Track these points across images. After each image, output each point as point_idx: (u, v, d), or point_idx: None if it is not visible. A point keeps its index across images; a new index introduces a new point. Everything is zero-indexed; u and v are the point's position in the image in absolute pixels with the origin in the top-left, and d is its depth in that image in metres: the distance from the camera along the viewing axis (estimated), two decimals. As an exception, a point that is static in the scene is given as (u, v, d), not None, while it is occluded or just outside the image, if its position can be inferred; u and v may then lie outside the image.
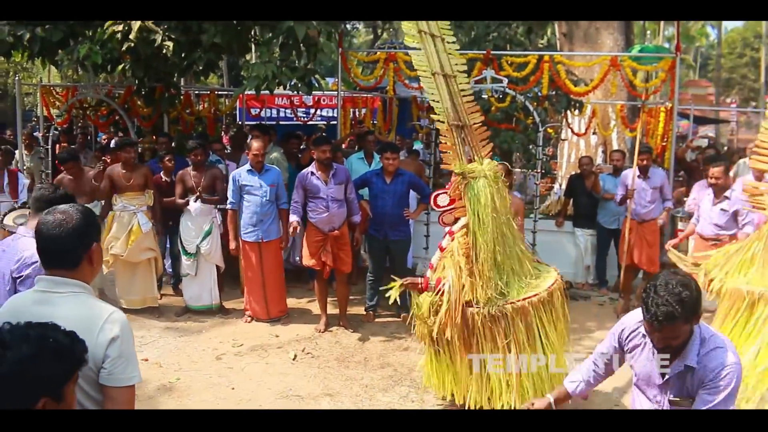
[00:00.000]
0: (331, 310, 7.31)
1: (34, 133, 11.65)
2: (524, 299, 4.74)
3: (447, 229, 5.03)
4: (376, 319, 7.53)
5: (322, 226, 7.00)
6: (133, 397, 2.31)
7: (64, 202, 3.53)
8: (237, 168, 7.87)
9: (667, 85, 9.06)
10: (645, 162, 7.91)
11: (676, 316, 2.63)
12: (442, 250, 4.96)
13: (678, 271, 3.02)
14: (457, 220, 4.88)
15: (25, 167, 10.35)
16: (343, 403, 5.41)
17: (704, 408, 2.77)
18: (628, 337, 3.07)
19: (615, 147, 11.95)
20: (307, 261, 7.13)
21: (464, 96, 5.17)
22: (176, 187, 7.43)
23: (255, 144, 7.23)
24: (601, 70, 8.91)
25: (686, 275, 2.84)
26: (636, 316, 3.03)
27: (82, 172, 7.51)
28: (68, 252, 2.31)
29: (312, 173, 7.01)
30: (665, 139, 9.13)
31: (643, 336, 2.95)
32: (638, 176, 7.86)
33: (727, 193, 6.71)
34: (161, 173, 7.82)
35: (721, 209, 6.68)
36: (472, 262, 4.67)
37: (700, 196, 7.84)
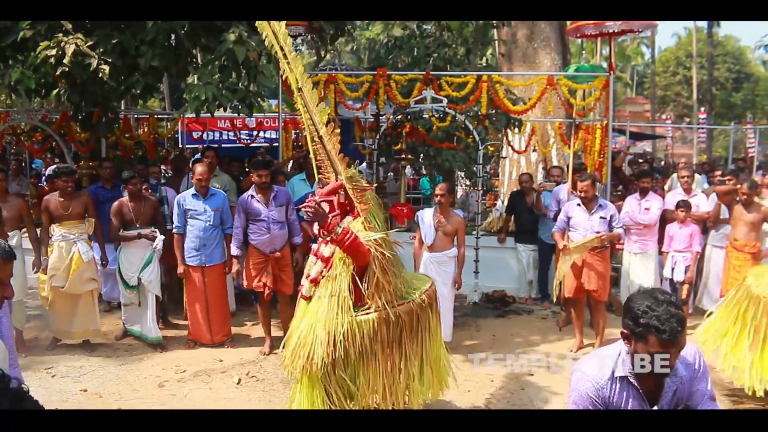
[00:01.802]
0: (276, 332, 7.25)
1: (-33, 161, 11.30)
2: (429, 289, 4.94)
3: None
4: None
5: (263, 248, 6.97)
6: None
7: None
8: (177, 193, 7.79)
9: (602, 103, 9.32)
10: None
11: (684, 317, 2.57)
12: (324, 260, 4.67)
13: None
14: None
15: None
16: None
17: (709, 397, 2.76)
18: (608, 395, 2.76)
19: (555, 163, 12.23)
20: (249, 283, 7.08)
21: (316, 107, 4.91)
22: (113, 220, 7.21)
23: (199, 168, 7.16)
24: (539, 89, 9.12)
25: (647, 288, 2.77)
26: (596, 373, 2.77)
27: (4, 193, 7.19)
28: None
29: (252, 196, 7.00)
30: (602, 155, 9.38)
31: (627, 384, 2.72)
32: (572, 192, 8.10)
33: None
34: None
35: (601, 217, 7.07)
36: (387, 259, 4.59)
37: (632, 208, 8.11)
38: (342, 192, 4.70)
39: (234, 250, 7.06)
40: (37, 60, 6.97)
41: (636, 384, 2.69)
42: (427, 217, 7.14)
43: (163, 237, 7.19)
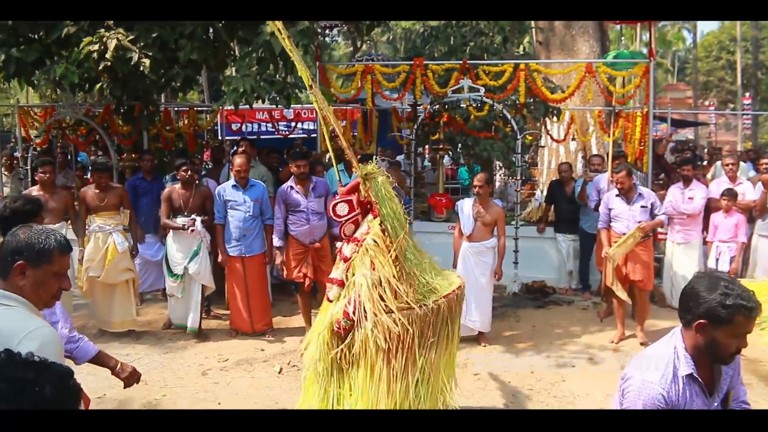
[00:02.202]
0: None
1: (14, 154, 11.58)
2: (450, 294, 4.46)
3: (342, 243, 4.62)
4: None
5: (302, 239, 7.03)
6: None
7: (30, 212, 3.50)
8: (217, 184, 7.90)
9: (642, 90, 9.17)
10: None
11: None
12: (346, 260, 4.46)
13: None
14: (357, 228, 4.52)
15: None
16: (329, 415, 5.40)
17: (741, 382, 2.72)
18: (674, 397, 2.62)
19: (594, 152, 12.07)
20: (289, 273, 7.15)
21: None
22: (162, 205, 7.35)
23: (238, 160, 7.25)
24: (577, 76, 9.01)
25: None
26: (659, 376, 2.63)
27: (52, 185, 7.36)
28: (2, 259, 2.42)
29: (291, 187, 7.07)
30: (642, 144, 9.23)
31: (691, 381, 2.60)
32: (612, 181, 8.01)
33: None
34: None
35: (642, 206, 7.00)
36: (400, 262, 4.27)
37: (675, 197, 7.98)
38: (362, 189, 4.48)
39: (276, 242, 7.14)
40: (80, 55, 7.11)
41: (699, 379, 2.60)
42: (466, 207, 7.11)
43: (199, 219, 7.23)
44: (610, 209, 7.18)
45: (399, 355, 4.19)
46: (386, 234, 4.28)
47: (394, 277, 4.18)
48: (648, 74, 8.67)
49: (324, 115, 4.56)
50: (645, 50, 11.16)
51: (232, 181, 7.26)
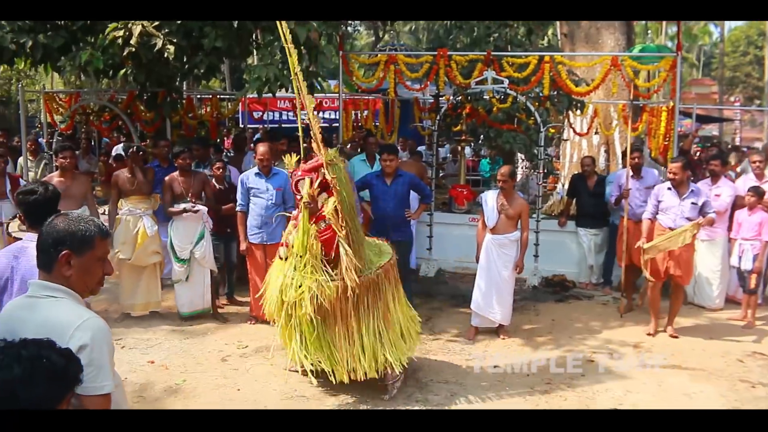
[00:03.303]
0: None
1: (39, 140, 11.69)
2: (385, 264, 5.49)
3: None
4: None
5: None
6: (105, 406, 2.27)
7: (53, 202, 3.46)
8: (240, 172, 7.94)
9: (668, 85, 9.06)
10: (636, 160, 7.99)
11: None
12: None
13: None
14: (314, 204, 5.26)
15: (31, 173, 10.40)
16: (347, 403, 5.42)
17: None
18: None
19: (618, 147, 11.97)
20: None
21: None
22: (165, 194, 7.43)
23: (261, 148, 7.28)
24: (602, 70, 8.92)
25: None
26: None
27: (72, 171, 7.41)
28: (43, 253, 2.41)
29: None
30: (667, 139, 9.13)
31: None
32: (631, 176, 7.94)
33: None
34: (213, 181, 7.83)
35: (692, 203, 6.92)
36: (350, 236, 5.18)
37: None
38: (323, 171, 5.16)
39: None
40: (105, 41, 7.16)
41: None
42: (490, 199, 7.08)
43: (205, 208, 7.34)
44: (659, 201, 7.11)
45: (360, 305, 5.26)
46: (338, 213, 5.10)
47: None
48: (675, 68, 8.56)
49: (303, 103, 5.00)
50: (671, 44, 10.99)
51: (255, 169, 7.28)
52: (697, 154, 12.82)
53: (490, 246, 7.01)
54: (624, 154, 8.55)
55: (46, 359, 1.84)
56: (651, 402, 5.50)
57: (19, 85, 12.01)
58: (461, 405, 5.43)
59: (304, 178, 5.24)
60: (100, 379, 2.24)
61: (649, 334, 7.12)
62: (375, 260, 5.52)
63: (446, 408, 5.37)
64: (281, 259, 5.36)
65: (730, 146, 19.63)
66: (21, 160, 10.67)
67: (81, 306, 2.41)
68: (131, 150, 7.63)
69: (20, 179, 8.88)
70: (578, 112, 10.76)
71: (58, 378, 1.86)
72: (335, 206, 5.10)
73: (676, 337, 7.04)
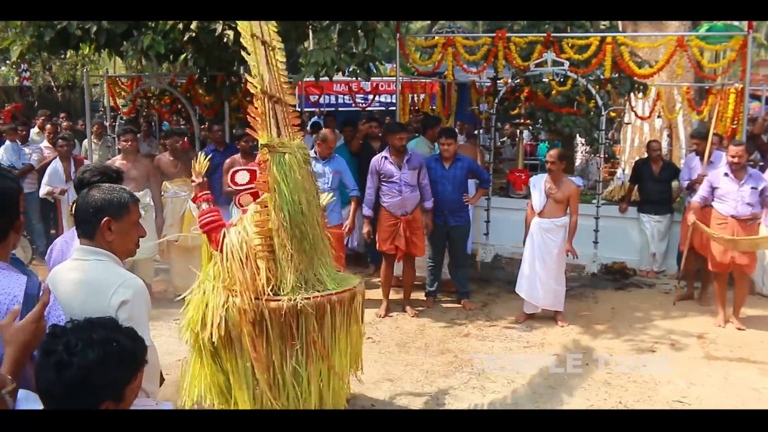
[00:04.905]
0: (393, 295, 7.36)
1: (104, 123, 11.96)
2: (342, 292, 4.15)
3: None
4: (436, 305, 7.52)
5: (394, 210, 7.04)
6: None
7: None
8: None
9: (737, 66, 8.71)
10: (697, 147, 7.73)
11: None
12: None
13: None
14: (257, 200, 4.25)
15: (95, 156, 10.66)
16: (403, 388, 5.42)
17: None
18: None
19: (681, 131, 11.62)
20: (381, 245, 7.16)
21: (281, 73, 4.41)
22: (225, 176, 7.45)
23: (322, 132, 7.33)
24: (667, 50, 8.63)
25: None
26: None
27: (135, 153, 7.55)
28: (84, 223, 2.61)
29: (385, 158, 7.07)
30: (735, 122, 8.80)
31: None
32: (700, 160, 7.72)
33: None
34: None
35: (752, 188, 6.65)
36: (271, 244, 4.02)
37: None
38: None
39: (366, 211, 7.18)
40: (166, 26, 7.26)
41: None
42: (539, 183, 6.98)
43: None
44: (714, 188, 6.84)
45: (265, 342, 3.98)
46: (262, 216, 4.06)
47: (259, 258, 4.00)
48: (745, 48, 8.20)
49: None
50: (737, 23, 10.57)
51: (312, 152, 7.30)
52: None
53: (535, 230, 6.91)
54: (697, 136, 8.24)
55: (115, 342, 1.86)
56: (716, 396, 5.33)
57: (84, 70, 12.28)
58: (518, 393, 5.37)
59: (242, 170, 4.48)
60: (139, 333, 2.28)
61: (719, 325, 6.89)
62: (330, 284, 4.16)
63: (504, 396, 5.32)
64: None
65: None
66: (86, 142, 10.95)
67: (122, 267, 2.64)
68: (172, 132, 7.79)
69: (85, 161, 9.13)
70: (640, 94, 10.47)
71: (127, 360, 1.89)
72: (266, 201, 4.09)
73: (742, 329, 6.80)
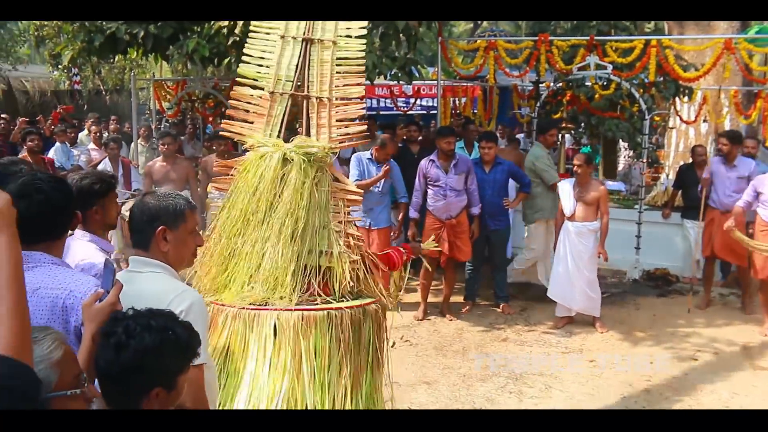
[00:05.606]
0: (431, 298, 7.37)
1: (150, 126, 12.22)
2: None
3: None
4: (475, 309, 7.51)
5: (439, 214, 7.06)
6: (197, 378, 2.29)
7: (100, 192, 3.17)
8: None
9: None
10: (723, 147, 7.53)
11: None
12: None
13: None
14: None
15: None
16: (440, 392, 5.43)
17: None
18: None
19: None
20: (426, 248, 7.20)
21: (343, 66, 3.92)
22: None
23: (382, 138, 7.40)
24: (714, 53, 8.48)
25: None
26: None
27: (174, 155, 7.73)
28: (138, 233, 2.48)
29: (433, 161, 7.11)
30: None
31: None
32: (724, 164, 7.54)
33: None
34: None
35: None
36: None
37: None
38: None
39: (412, 213, 7.24)
40: (211, 31, 7.39)
41: None
42: (567, 187, 6.94)
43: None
44: (758, 192, 6.71)
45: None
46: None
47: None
48: (795, 51, 8.03)
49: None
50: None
51: (367, 154, 7.33)
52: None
53: (568, 233, 6.87)
54: (724, 136, 8.08)
55: (171, 331, 1.91)
56: (761, 407, 5.21)
57: (132, 74, 12.57)
58: (556, 398, 5.34)
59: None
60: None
61: (765, 334, 6.75)
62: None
63: (538, 399, 5.29)
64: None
65: None
66: (132, 145, 11.20)
67: (178, 280, 2.50)
68: (216, 135, 7.92)
69: (131, 165, 9.36)
70: (686, 98, 10.30)
71: (181, 350, 1.93)
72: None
73: None
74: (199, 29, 7.74)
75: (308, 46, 3.95)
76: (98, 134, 10.50)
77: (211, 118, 11.93)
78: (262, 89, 3.86)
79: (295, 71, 3.89)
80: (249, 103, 3.85)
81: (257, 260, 3.35)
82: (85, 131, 11.68)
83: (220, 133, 7.63)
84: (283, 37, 3.96)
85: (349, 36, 3.94)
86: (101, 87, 19.88)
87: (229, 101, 3.92)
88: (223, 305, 3.24)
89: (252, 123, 3.78)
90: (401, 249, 4.01)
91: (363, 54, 3.95)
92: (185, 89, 10.79)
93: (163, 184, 7.49)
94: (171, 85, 11.54)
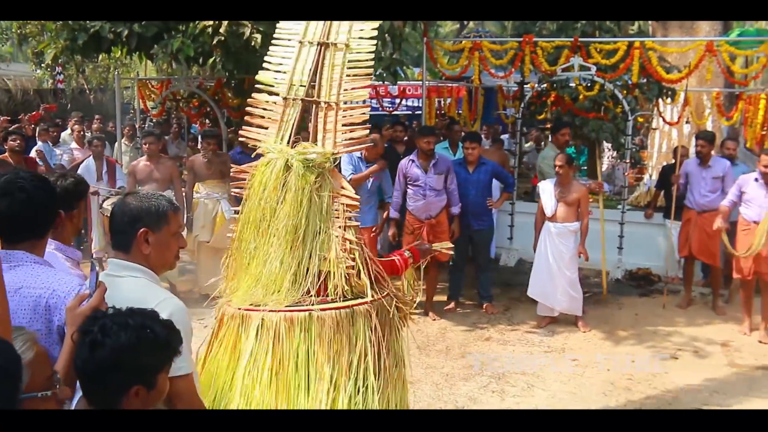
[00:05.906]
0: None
1: (135, 125, 12.15)
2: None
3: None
4: (458, 309, 7.53)
5: (418, 214, 7.10)
6: (189, 387, 2.28)
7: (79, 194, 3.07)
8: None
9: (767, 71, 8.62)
10: (701, 149, 7.61)
11: None
12: None
13: None
14: None
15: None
16: (423, 391, 5.44)
17: None
18: None
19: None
20: (405, 247, 7.21)
21: (354, 70, 3.80)
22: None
23: (372, 136, 7.40)
24: (696, 55, 8.57)
25: None
26: None
27: (158, 155, 7.71)
28: (118, 234, 2.39)
29: (412, 161, 7.13)
30: (765, 128, 8.70)
31: None
32: (699, 164, 7.63)
33: None
34: None
35: None
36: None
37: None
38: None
39: (392, 213, 7.28)
40: (196, 30, 7.37)
41: None
42: (547, 187, 7.00)
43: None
44: (742, 192, 6.79)
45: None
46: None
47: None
48: (775, 53, 8.12)
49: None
50: (771, 28, 10.48)
51: (357, 153, 7.34)
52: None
53: (548, 234, 6.93)
54: (722, 144, 8.21)
55: (150, 329, 1.90)
56: (740, 405, 5.27)
57: (116, 73, 12.51)
58: (538, 397, 5.37)
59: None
60: (177, 360, 2.08)
61: (744, 333, 6.82)
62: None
63: (523, 399, 5.32)
64: None
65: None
66: (117, 144, 11.14)
67: (159, 286, 2.43)
68: (205, 134, 7.90)
69: (116, 163, 9.31)
70: (669, 100, 10.37)
71: (160, 348, 1.93)
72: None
73: (766, 343, 6.66)
74: (183, 28, 7.71)
75: (323, 51, 3.87)
76: (81, 133, 10.43)
77: (195, 118, 11.89)
78: (278, 95, 3.84)
79: (309, 76, 3.82)
80: (264, 109, 3.79)
81: (262, 265, 3.41)
82: (68, 130, 11.60)
83: (212, 134, 7.68)
84: (301, 42, 3.91)
85: (361, 38, 3.86)
86: (85, 86, 19.74)
87: (246, 108, 3.84)
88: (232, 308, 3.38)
89: (267, 129, 3.74)
90: (406, 254, 3.99)
91: (372, 56, 3.87)
92: (170, 89, 10.74)
93: (147, 183, 7.46)
94: (155, 85, 11.47)
